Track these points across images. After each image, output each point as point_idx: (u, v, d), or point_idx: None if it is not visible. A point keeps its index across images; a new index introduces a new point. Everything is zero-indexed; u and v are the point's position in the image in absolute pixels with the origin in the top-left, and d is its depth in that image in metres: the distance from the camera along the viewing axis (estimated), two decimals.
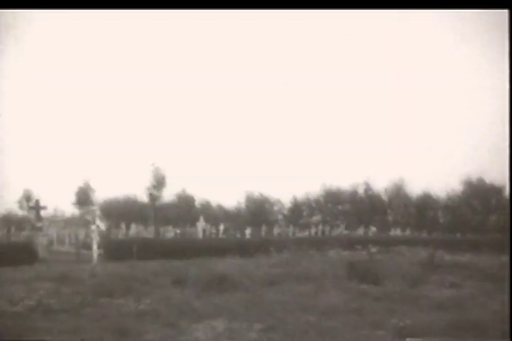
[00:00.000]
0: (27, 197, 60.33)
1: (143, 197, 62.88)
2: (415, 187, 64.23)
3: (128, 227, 47.02)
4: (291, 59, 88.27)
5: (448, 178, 66.57)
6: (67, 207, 63.03)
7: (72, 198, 62.47)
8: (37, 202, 34.25)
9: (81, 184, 62.65)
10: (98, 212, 60.72)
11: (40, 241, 31.42)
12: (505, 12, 10.89)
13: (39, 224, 33.32)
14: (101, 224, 37.11)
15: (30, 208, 39.55)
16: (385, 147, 74.76)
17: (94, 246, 28.02)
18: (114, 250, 27.84)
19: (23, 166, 67.57)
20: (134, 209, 61.72)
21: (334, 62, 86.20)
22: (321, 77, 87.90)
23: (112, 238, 36.08)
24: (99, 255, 27.95)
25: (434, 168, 71.87)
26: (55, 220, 57.46)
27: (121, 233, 44.38)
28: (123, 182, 63.41)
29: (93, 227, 30.79)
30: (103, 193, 63.54)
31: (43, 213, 35.35)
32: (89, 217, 57.30)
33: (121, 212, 59.91)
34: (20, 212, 60.96)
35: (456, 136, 78.79)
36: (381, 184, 65.84)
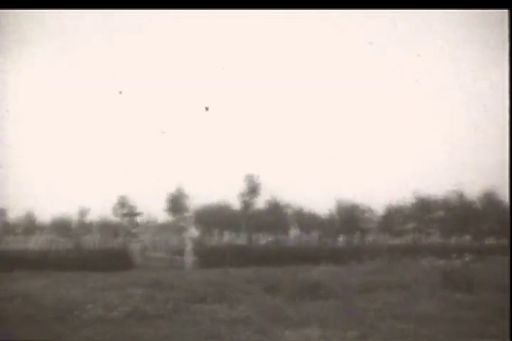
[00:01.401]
0: (122, 203, 61.38)
1: (236, 204, 63.08)
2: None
3: (221, 234, 47.25)
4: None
5: None
6: (161, 214, 63.76)
7: (166, 205, 63.18)
8: (132, 208, 34.85)
9: (174, 190, 63.29)
10: (191, 219, 61.26)
11: (135, 247, 31.91)
12: (505, 12, 10.91)
13: (133, 231, 33.91)
14: (194, 231, 37.46)
15: (125, 214, 40.19)
16: (475, 154, 72.66)
17: (188, 253, 28.25)
18: (207, 257, 27.98)
19: (118, 173, 68.84)
20: (226, 216, 61.91)
21: (334, 62, 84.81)
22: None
23: (205, 245, 36.28)
24: (193, 261, 28.13)
25: None
26: (148, 226, 58.25)
27: (214, 240, 44.61)
28: (216, 188, 63.66)
29: (186, 234, 31.06)
30: (196, 200, 63.91)
31: (137, 219, 35.94)
32: (182, 224, 57.90)
33: (214, 218, 60.12)
34: (115, 219, 62.11)
35: None
36: (474, 191, 64.11)
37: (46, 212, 66.54)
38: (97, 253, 27.23)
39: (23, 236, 45.02)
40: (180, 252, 31.45)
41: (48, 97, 79.26)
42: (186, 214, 63.15)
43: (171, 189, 63.08)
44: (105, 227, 56.81)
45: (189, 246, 28.56)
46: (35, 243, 36.92)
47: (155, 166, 70.32)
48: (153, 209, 60.34)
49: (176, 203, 62.54)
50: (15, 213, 61.82)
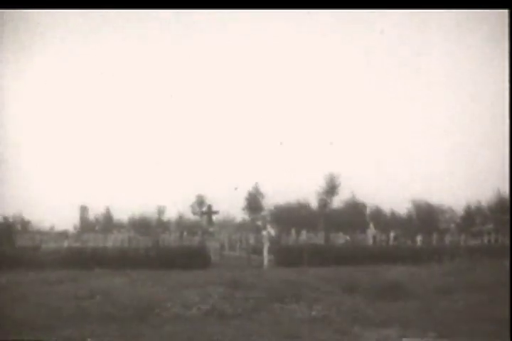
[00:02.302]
0: (200, 202, 61.87)
1: (313, 203, 62.89)
2: None
3: (298, 233, 47.07)
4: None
5: None
6: (238, 212, 64.06)
7: (243, 203, 63.39)
8: (209, 207, 35.03)
9: (251, 189, 63.45)
10: (268, 218, 61.35)
11: (212, 245, 32.06)
12: (505, 12, 10.82)
13: (211, 229, 34.06)
14: (271, 230, 37.43)
15: (203, 213, 40.39)
16: None
17: (265, 252, 28.22)
18: (285, 256, 27.87)
19: (197, 172, 69.48)
20: (304, 215, 61.72)
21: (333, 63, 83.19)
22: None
23: (282, 244, 36.21)
24: (270, 260, 28.09)
25: None
26: (226, 225, 58.57)
27: (291, 239, 44.47)
28: (293, 187, 63.52)
29: (264, 233, 31.05)
30: (274, 198, 63.92)
31: (214, 218, 36.09)
32: (259, 223, 58.02)
33: (291, 217, 60.01)
34: (193, 217, 62.61)
35: None
36: None
37: (125, 210, 67.74)
38: (175, 252, 27.42)
39: (102, 234, 45.79)
40: (257, 251, 31.44)
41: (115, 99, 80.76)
42: (263, 213, 63.31)
43: (248, 188, 63.40)
44: (183, 225, 57.42)
45: (266, 245, 28.50)
46: (113, 241, 37.52)
47: (233, 165, 70.72)
48: (231, 207, 60.74)
49: (253, 202, 62.77)
50: (94, 211, 63.14)
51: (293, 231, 47.65)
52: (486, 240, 49.32)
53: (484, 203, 65.38)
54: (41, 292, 16.26)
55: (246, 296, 15.20)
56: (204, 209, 44.45)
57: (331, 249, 32.15)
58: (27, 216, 57.67)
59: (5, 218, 54.37)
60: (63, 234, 43.57)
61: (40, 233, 46.54)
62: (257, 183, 63.23)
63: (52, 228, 53.76)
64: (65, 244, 36.01)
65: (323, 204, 58.16)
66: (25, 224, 57.48)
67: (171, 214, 63.90)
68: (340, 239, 44.33)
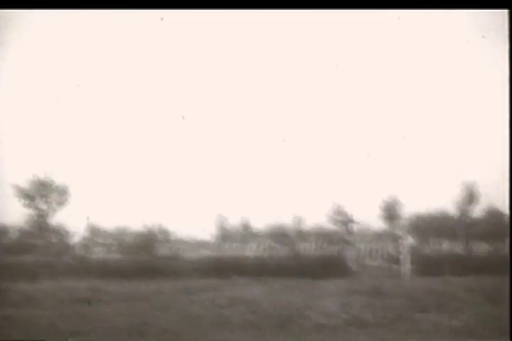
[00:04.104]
0: (338, 211, 61.52)
1: (452, 212, 61.25)
2: None
3: (438, 243, 46.01)
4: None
5: None
6: (376, 222, 63.23)
7: (380, 212, 62.56)
8: (348, 216, 34.78)
9: (389, 198, 62.57)
10: (407, 227, 60.28)
11: (350, 255, 31.80)
12: (505, 12, 10.75)
13: (349, 238, 33.78)
14: (410, 239, 36.74)
15: (342, 222, 40.16)
16: None
17: (405, 261, 27.71)
18: (426, 265, 27.27)
19: (336, 180, 69.25)
20: (443, 224, 60.21)
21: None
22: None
23: (422, 253, 35.45)
24: (410, 270, 27.56)
25: None
26: (364, 234, 57.95)
27: (430, 248, 43.51)
28: (432, 196, 62.12)
29: (403, 242, 30.49)
30: (412, 208, 62.66)
31: (353, 227, 35.83)
32: (398, 232, 57.05)
33: (430, 227, 58.70)
34: (331, 226, 62.28)
35: None
36: None
37: (263, 220, 68.18)
38: (313, 261, 27.37)
39: (241, 243, 46.28)
40: (396, 260, 30.93)
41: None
42: (402, 222, 62.19)
43: (386, 196, 62.47)
44: (320, 235, 57.24)
45: (405, 255, 27.97)
46: (252, 250, 37.85)
47: (371, 174, 69.96)
48: (368, 217, 60.04)
49: (391, 211, 61.80)
50: (232, 221, 63.97)
51: (433, 240, 46.63)
52: None
53: None
54: (183, 300, 16.63)
55: (387, 305, 14.97)
56: (343, 218, 44.12)
57: (472, 258, 31.24)
58: (167, 225, 59.15)
59: (146, 227, 56.07)
60: (202, 244, 44.46)
61: (180, 242, 47.68)
62: (394, 192, 62.26)
63: (192, 237, 54.87)
64: (204, 253, 36.67)
65: (464, 213, 56.50)
66: (165, 234, 58.95)
67: (309, 224, 63.87)
68: (481, 248, 42.98)
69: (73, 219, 62.28)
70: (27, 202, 54.34)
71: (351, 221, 34.17)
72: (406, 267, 27.45)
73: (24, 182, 54.61)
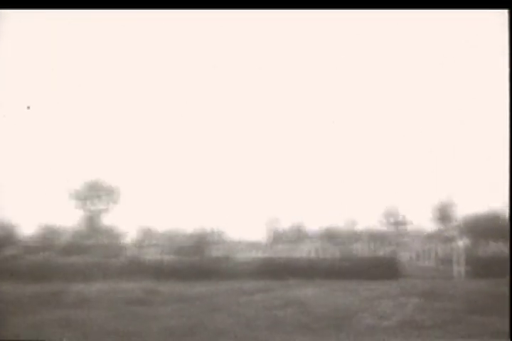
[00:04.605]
0: (391, 212, 61.17)
1: (505, 213, 60.31)
2: None
3: (491, 244, 45.42)
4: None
5: None
6: (429, 223, 62.63)
7: (433, 214, 61.93)
8: (400, 217, 34.59)
9: (442, 199, 61.90)
10: (460, 228, 59.58)
11: (403, 256, 31.59)
12: (505, 12, 10.73)
13: (402, 239, 33.56)
14: (464, 241, 36.35)
15: (394, 223, 39.99)
16: None
17: (458, 263, 27.41)
18: (480, 267, 26.90)
19: (388, 181, 68.92)
20: (496, 225, 59.37)
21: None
22: None
23: (475, 255, 35.01)
24: (463, 271, 27.25)
25: None
26: (417, 235, 57.48)
27: (484, 250, 42.97)
28: (485, 196, 61.32)
29: (456, 243, 30.18)
30: (465, 208, 61.92)
31: (405, 228, 35.62)
32: (451, 233, 56.44)
33: (483, 228, 57.94)
34: (383, 228, 61.92)
35: None
36: None
37: (314, 221, 68.16)
38: (365, 262, 27.20)
39: (293, 244, 46.27)
40: (449, 262, 30.60)
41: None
42: (454, 223, 61.47)
43: (439, 198, 61.84)
44: (373, 236, 56.92)
45: (459, 256, 27.67)
46: (304, 251, 37.84)
47: (423, 174, 69.43)
48: (422, 218, 59.51)
49: (444, 212, 61.12)
50: (284, 222, 64.01)
51: (485, 241, 46.04)
52: None
53: None
54: (238, 302, 16.71)
55: (442, 307, 14.85)
56: (395, 219, 43.89)
57: None
58: (220, 227, 59.51)
59: (198, 229, 56.47)
60: (254, 245, 44.59)
61: (232, 243, 47.87)
62: (448, 193, 61.59)
63: (244, 238, 55.08)
64: (257, 254, 36.80)
65: None
66: (218, 235, 59.30)
67: (361, 225, 63.59)
68: None
69: (125, 220, 63.10)
70: (79, 203, 55.24)
71: (404, 222, 33.93)
72: (459, 268, 27.13)
73: (76, 184, 55.53)
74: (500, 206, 59.86)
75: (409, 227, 47.47)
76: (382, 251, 38.89)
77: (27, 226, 60.41)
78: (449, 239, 46.29)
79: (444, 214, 61.81)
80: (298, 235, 61.37)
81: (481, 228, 57.87)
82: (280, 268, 25.96)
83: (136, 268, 26.83)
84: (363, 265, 26.23)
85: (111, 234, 59.21)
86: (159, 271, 26.19)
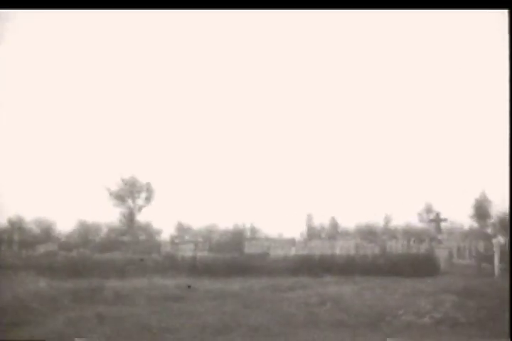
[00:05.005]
0: (427, 209, 60.81)
1: None
2: None
3: None
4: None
5: None
6: (466, 220, 62.14)
7: (471, 211, 61.36)
8: (437, 214, 34.34)
9: (479, 196, 61.33)
10: (498, 225, 58.89)
11: (440, 253, 31.31)
12: (505, 12, 10.76)
13: (439, 237, 33.34)
14: (502, 238, 35.91)
15: (431, 220, 39.75)
16: None
17: (496, 260, 27.07)
18: None
19: (424, 178, 68.71)
20: None
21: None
22: None
23: None
24: (502, 269, 26.90)
25: None
26: (454, 233, 57.02)
27: None
28: None
29: (494, 241, 29.80)
30: (502, 205, 61.31)
31: (442, 225, 35.34)
32: (488, 230, 55.90)
33: None
34: (420, 224, 61.57)
35: None
36: None
37: (350, 218, 68.06)
38: (402, 259, 26.98)
39: (329, 241, 46.21)
40: (488, 259, 30.25)
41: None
42: (492, 221, 60.82)
43: (476, 195, 61.29)
44: (410, 233, 56.60)
45: (497, 253, 27.31)
46: (340, 248, 37.71)
47: (460, 171, 68.89)
48: (459, 215, 59.04)
49: (481, 209, 60.50)
50: (320, 219, 64.05)
51: None
52: None
53: None
54: (274, 298, 16.69)
55: (479, 305, 14.67)
56: (432, 216, 43.55)
57: None
58: (255, 223, 59.75)
59: (235, 225, 56.74)
60: (290, 242, 44.57)
61: (268, 240, 47.93)
62: (484, 190, 61.01)
63: (279, 235, 55.22)
64: (292, 251, 36.77)
65: None
66: (254, 231, 59.52)
67: (397, 222, 63.36)
68: None
69: (161, 217, 63.46)
70: (117, 201, 55.72)
71: (441, 219, 33.63)
72: (498, 266, 26.78)
73: (114, 182, 56.01)
74: None
75: (447, 224, 47.12)
76: (419, 248, 38.61)
77: (65, 224, 61.16)
78: (486, 236, 45.80)
79: (480, 212, 61.23)
80: (334, 232, 61.31)
81: None
82: (316, 265, 25.85)
83: (172, 264, 26.93)
84: (399, 262, 26.02)
85: (147, 230, 59.65)
86: (195, 268, 26.26)
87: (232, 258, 28.51)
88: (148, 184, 56.27)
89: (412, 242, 45.92)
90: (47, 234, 58.13)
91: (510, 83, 10.73)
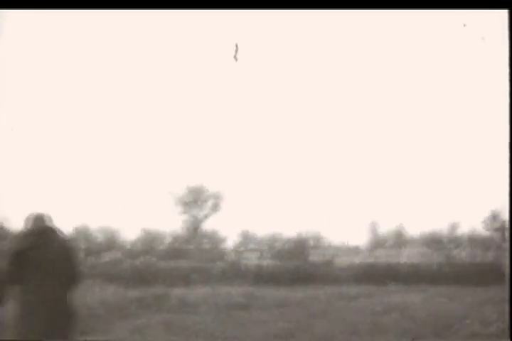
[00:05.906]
0: (493, 217, 59.83)
1: None
2: None
3: None
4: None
5: None
6: None
7: None
8: (503, 222, 33.80)
9: None
10: None
11: (506, 262, 30.81)
12: (505, 12, 10.05)
13: (505, 245, 32.77)
14: None
15: (497, 229, 39.15)
16: None
17: None
18: None
19: (489, 186, 67.56)
20: None
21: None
22: None
23: None
24: None
25: None
26: None
27: None
28: None
29: None
30: None
31: (507, 233, 34.77)
32: None
33: None
34: (486, 233, 60.62)
35: None
36: None
37: (415, 226, 67.28)
38: (469, 268, 26.66)
39: (394, 249, 45.82)
40: None
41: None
42: None
43: None
44: (475, 241, 55.73)
45: None
46: (405, 256, 37.38)
47: None
48: None
49: None
50: (385, 227, 63.56)
51: None
52: None
53: None
54: (339, 307, 16.66)
55: None
56: (498, 224, 42.85)
57: None
58: (319, 231, 59.57)
59: (299, 233, 56.63)
60: (355, 250, 44.36)
61: (332, 248, 47.78)
62: None
63: (344, 243, 54.95)
64: (357, 259, 36.60)
65: None
66: (317, 239, 59.32)
67: (463, 230, 62.47)
68: None
69: (226, 225, 63.71)
70: (182, 209, 56.12)
71: (507, 227, 33.11)
72: None
73: (180, 190, 56.48)
74: None
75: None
76: (485, 257, 38.00)
77: (130, 231, 61.90)
78: None
79: None
80: (399, 240, 60.68)
81: None
82: (381, 273, 25.75)
83: (236, 272, 27.09)
84: (465, 270, 25.74)
85: (212, 238, 59.93)
86: (259, 276, 26.37)
87: (296, 267, 28.55)
88: (215, 192, 56.50)
89: (478, 250, 45.26)
90: (111, 242, 58.87)
91: (510, 83, 10.57)
